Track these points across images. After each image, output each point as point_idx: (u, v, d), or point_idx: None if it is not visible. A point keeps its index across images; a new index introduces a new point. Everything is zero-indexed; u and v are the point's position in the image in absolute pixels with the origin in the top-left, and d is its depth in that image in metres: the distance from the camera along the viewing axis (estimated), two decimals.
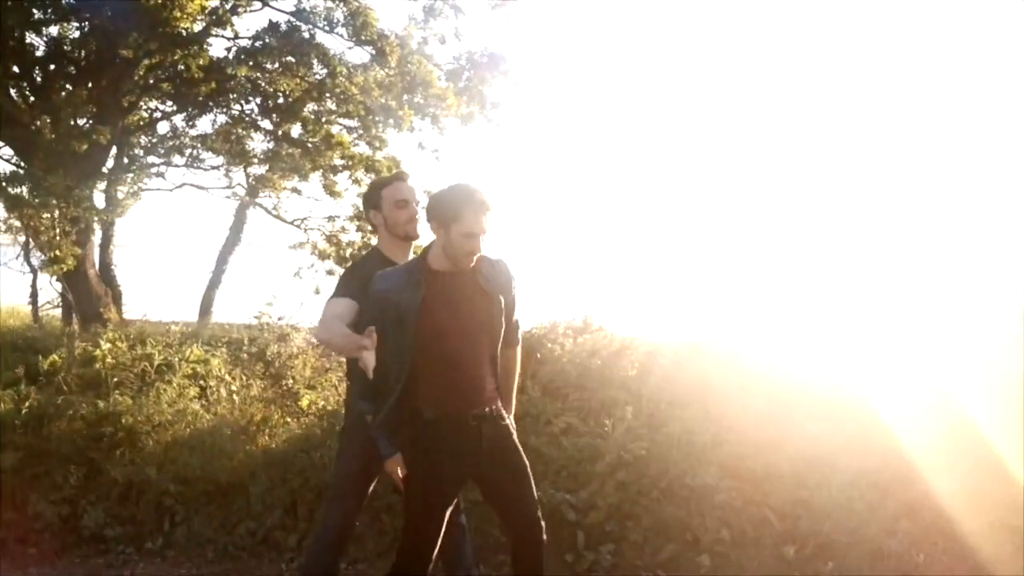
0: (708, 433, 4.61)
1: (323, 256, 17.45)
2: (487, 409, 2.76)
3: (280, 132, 12.74)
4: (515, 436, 2.88)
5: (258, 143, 13.14)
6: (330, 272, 17.78)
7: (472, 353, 2.75)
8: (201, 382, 6.22)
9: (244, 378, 6.52)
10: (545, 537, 2.87)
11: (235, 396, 6.21)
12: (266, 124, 12.86)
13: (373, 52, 9.63)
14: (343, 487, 3.15)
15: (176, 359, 6.21)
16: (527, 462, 2.87)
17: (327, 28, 9.78)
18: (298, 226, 16.29)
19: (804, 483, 4.25)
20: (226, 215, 16.12)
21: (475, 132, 14.23)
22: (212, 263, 14.92)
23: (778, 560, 3.90)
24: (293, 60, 9.52)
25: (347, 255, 17.36)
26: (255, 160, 14.02)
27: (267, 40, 9.11)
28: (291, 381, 7.38)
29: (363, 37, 9.22)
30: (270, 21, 9.22)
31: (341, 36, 9.89)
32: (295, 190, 16.09)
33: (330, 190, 16.11)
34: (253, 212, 15.32)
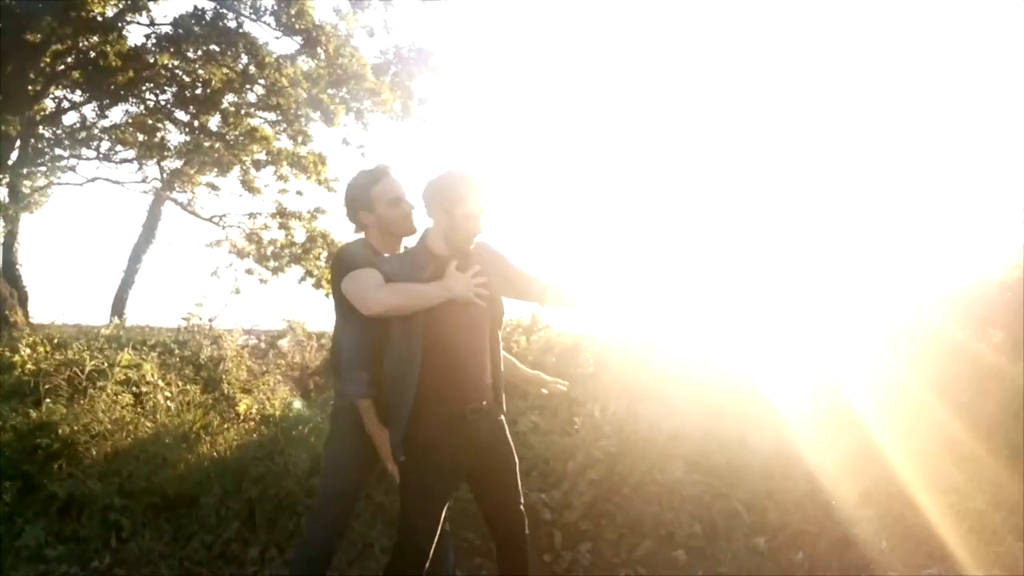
0: (671, 429, 4.67)
1: (242, 255, 16.87)
2: (484, 403, 2.70)
3: (197, 124, 12.21)
4: (508, 431, 2.83)
5: (174, 135, 12.56)
6: (249, 271, 17.24)
7: (474, 342, 2.69)
8: (133, 388, 5.88)
9: (180, 383, 6.20)
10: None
11: (170, 403, 5.90)
12: (182, 115, 12.32)
13: (302, 42, 9.30)
14: (329, 496, 2.98)
15: (105, 365, 5.84)
16: (516, 459, 2.83)
17: (253, 16, 9.39)
18: (216, 223, 15.68)
19: (770, 475, 4.36)
20: (140, 212, 15.37)
21: (402, 128, 14.05)
22: (124, 262, 14.13)
23: (751, 552, 3.97)
24: (218, 49, 9.09)
25: (268, 253, 16.85)
26: (169, 153, 13.39)
27: (191, 27, 8.66)
28: (226, 386, 7.09)
29: (297, 26, 8.89)
30: (195, 7, 8.78)
31: (268, 25, 9.53)
32: (211, 185, 15.49)
33: (249, 186, 15.59)
34: (168, 209, 14.62)
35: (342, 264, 2.75)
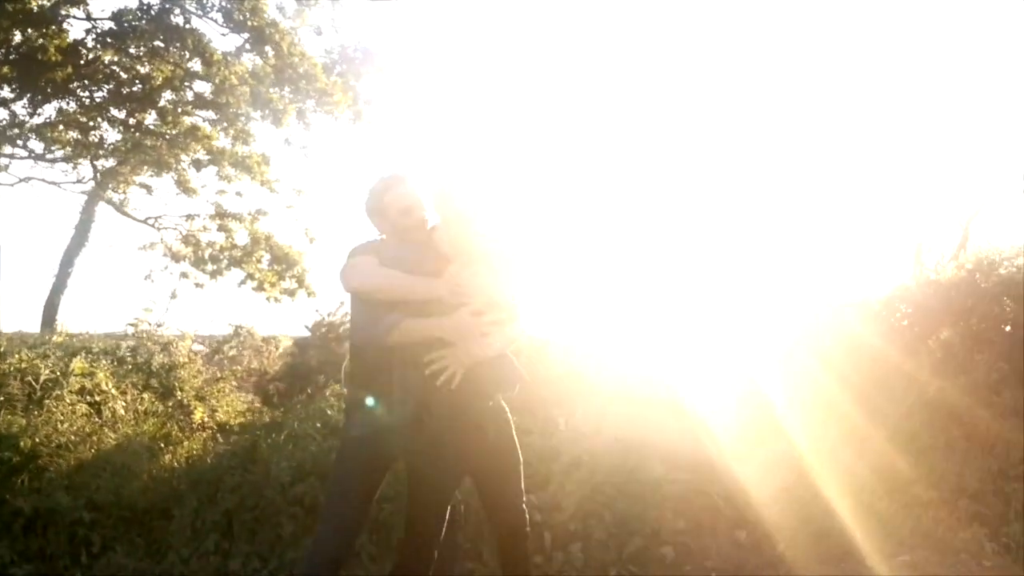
0: (645, 428, 4.76)
1: (177, 257, 16.34)
2: (491, 402, 2.71)
3: (134, 121, 11.79)
4: (513, 429, 2.84)
5: (109, 133, 12.05)
6: (185, 275, 16.69)
7: None
8: (87, 398, 5.65)
9: (137, 392, 6.00)
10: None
11: (127, 412, 5.71)
12: (118, 113, 11.84)
13: (252, 40, 9.08)
14: (335, 510, 2.88)
15: (58, 373, 5.58)
16: (520, 456, 2.85)
17: (199, 12, 9.11)
18: (151, 225, 15.16)
19: (743, 469, 4.47)
20: (73, 213, 14.72)
21: (348, 128, 13.86)
22: (56, 266, 13.50)
23: (734, 546, 4.08)
24: (163, 45, 8.79)
25: (206, 256, 16.37)
26: (103, 153, 12.86)
27: (136, 22, 8.35)
28: (180, 393, 6.90)
29: (250, 23, 8.67)
30: (140, 2, 8.45)
31: (215, 21, 9.26)
32: (144, 186, 14.97)
33: (184, 187, 15.12)
34: (103, 210, 14.04)
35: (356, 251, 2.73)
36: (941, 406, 5.05)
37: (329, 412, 4.82)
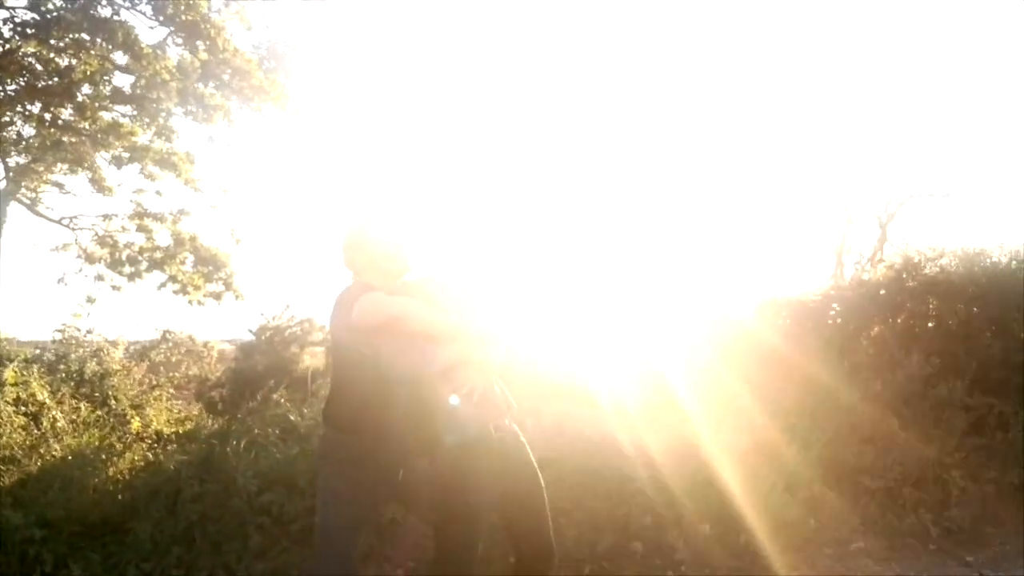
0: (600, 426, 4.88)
1: (92, 259, 15.58)
2: (506, 421, 2.73)
3: (49, 117, 11.18)
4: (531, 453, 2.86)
5: (24, 128, 11.38)
6: (100, 277, 15.91)
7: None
8: (22, 408, 5.37)
9: (74, 402, 5.74)
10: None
11: (64, 423, 5.45)
12: (32, 107, 11.21)
13: (184, 34, 8.76)
14: (330, 536, 2.81)
15: None
16: (543, 483, 2.86)
17: (127, 4, 8.73)
18: (66, 225, 14.40)
19: (704, 464, 4.63)
20: None
21: (275, 126, 13.56)
22: None
23: (699, 538, 4.21)
24: (87, 38, 8.37)
25: (124, 258, 15.68)
26: (13, 149, 12.15)
27: (61, 13, 7.92)
28: (114, 402, 6.65)
29: (185, 17, 8.35)
30: None
31: (143, 14, 8.89)
32: (58, 184, 14.22)
33: (99, 185, 14.43)
34: (14, 210, 13.25)
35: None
36: (879, 400, 5.33)
37: (292, 418, 4.72)
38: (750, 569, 3.99)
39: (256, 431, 4.60)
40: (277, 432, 4.77)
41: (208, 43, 8.65)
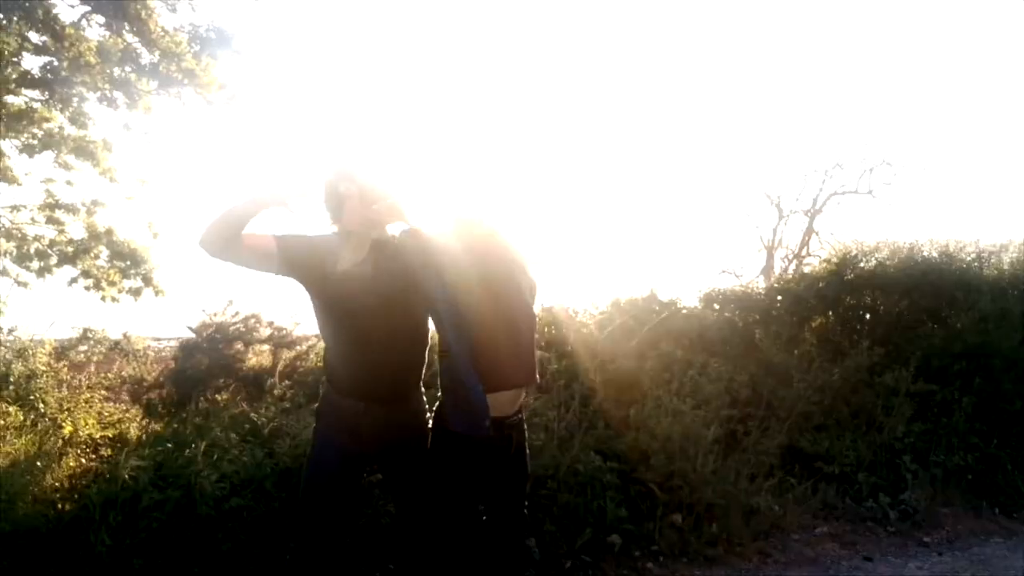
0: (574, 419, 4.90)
1: None
2: (517, 416, 2.68)
3: None
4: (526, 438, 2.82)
5: None
6: (5, 272, 14.91)
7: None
8: None
9: (4, 405, 5.36)
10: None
11: None
12: None
13: (109, 13, 8.26)
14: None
15: None
16: (529, 467, 2.84)
17: None
18: None
19: (673, 457, 4.70)
20: None
21: (194, 114, 12.99)
22: None
23: (673, 528, 4.28)
24: (1, 15, 7.78)
25: (32, 251, 14.78)
26: None
27: None
28: (42, 405, 6.26)
29: None
30: None
31: None
32: None
33: (6, 174, 13.54)
34: None
35: None
36: (827, 388, 5.55)
37: (255, 418, 4.52)
38: (725, 557, 4.07)
39: (217, 430, 4.39)
40: (235, 437, 4.56)
41: (138, 24, 8.18)
